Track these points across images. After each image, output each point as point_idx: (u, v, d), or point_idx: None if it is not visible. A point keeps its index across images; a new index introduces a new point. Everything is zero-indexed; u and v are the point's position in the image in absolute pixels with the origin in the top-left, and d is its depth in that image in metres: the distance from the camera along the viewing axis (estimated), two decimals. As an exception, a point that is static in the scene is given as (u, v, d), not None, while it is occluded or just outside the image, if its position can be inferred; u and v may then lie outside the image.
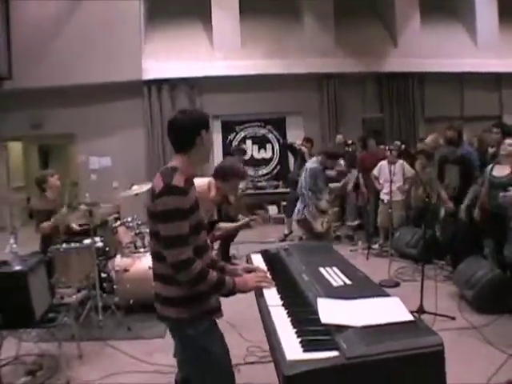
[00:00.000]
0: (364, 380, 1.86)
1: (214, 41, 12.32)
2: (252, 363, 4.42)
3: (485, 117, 11.98)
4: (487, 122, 8.24)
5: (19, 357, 4.61)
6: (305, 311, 2.34)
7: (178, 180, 2.47)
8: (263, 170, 13.10)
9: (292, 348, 1.98)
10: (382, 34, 13.23)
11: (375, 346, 1.87)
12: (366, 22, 13.12)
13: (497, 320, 5.12)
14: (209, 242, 2.90)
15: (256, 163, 13.08)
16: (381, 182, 8.47)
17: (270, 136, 13.07)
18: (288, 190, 10.81)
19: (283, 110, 12.76)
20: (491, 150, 6.88)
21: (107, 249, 6.17)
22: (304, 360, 1.87)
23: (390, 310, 2.21)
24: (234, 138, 12.93)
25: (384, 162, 8.38)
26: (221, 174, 4.02)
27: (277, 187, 12.76)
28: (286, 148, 12.13)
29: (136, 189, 6.27)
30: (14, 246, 4.33)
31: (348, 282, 2.65)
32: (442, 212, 7.23)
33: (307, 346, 1.97)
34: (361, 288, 2.55)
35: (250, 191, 12.44)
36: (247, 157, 12.73)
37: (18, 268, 4.13)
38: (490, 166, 5.82)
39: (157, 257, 2.60)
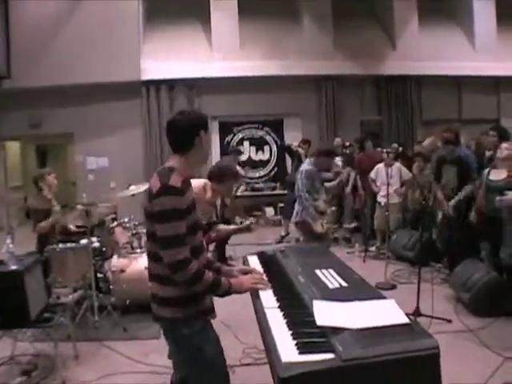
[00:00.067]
0: (359, 382, 1.86)
1: (212, 42, 12.32)
2: (248, 365, 4.41)
3: (483, 120, 11.97)
4: (485, 125, 8.25)
5: (14, 357, 4.59)
6: (301, 313, 2.34)
7: (175, 180, 2.47)
8: (260, 172, 13.10)
9: (287, 350, 1.97)
10: (380, 37, 13.25)
11: (371, 348, 1.87)
12: (364, 25, 13.14)
13: (493, 323, 5.13)
14: (204, 243, 2.90)
15: (253, 165, 13.07)
16: (378, 184, 8.49)
17: (268, 138, 13.08)
18: (285, 191, 10.82)
19: (281, 111, 12.76)
20: (488, 153, 6.89)
21: (104, 249, 6.16)
22: (299, 362, 1.87)
23: (385, 312, 2.21)
24: (232, 139, 12.94)
25: (381, 165, 8.39)
26: (216, 176, 4.02)
27: (274, 189, 12.76)
28: (284, 150, 12.14)
29: (133, 189, 6.26)
30: (11, 245, 4.32)
31: (344, 284, 2.65)
32: (439, 215, 7.24)
33: (303, 348, 1.97)
34: (357, 290, 2.54)
35: (247, 193, 12.47)
36: (244, 158, 12.74)
37: (14, 268, 4.13)
38: (486, 170, 5.83)
39: (153, 257, 2.60)
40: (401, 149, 8.53)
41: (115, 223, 6.65)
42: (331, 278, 2.74)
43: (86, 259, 5.40)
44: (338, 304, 2.32)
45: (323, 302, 2.37)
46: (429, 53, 12.56)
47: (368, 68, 12.68)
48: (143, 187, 5.98)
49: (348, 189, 9.53)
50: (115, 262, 6.03)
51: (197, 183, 3.61)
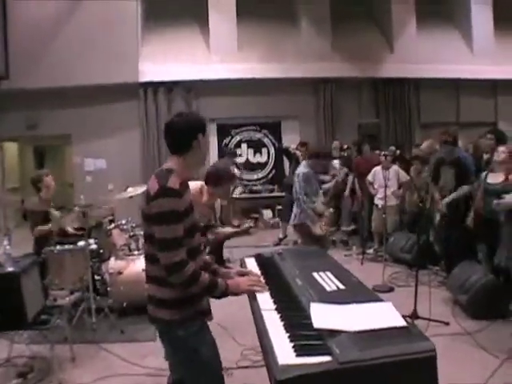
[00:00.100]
0: (356, 385, 1.86)
1: (210, 44, 12.32)
2: (245, 367, 4.41)
3: (480, 123, 12.00)
4: (483, 128, 8.26)
5: (10, 359, 4.58)
6: (298, 316, 2.34)
7: (174, 182, 2.47)
8: (258, 174, 13.08)
9: (284, 352, 1.97)
10: (378, 40, 13.27)
11: (368, 351, 1.87)
12: (362, 28, 13.16)
13: (490, 325, 5.13)
14: (202, 245, 2.89)
15: (251, 167, 13.06)
16: (375, 187, 8.50)
17: (266, 140, 13.07)
18: (283, 194, 10.82)
19: (279, 114, 12.76)
20: (486, 156, 6.91)
21: (101, 251, 6.16)
22: (296, 365, 1.87)
23: (382, 315, 2.21)
24: (230, 141, 12.93)
25: (378, 168, 8.41)
26: (212, 180, 4.02)
27: (272, 191, 12.76)
28: (282, 152, 12.13)
29: (131, 191, 6.26)
30: (8, 247, 4.32)
31: (341, 286, 2.65)
32: (437, 217, 7.25)
33: (300, 351, 1.96)
34: (354, 293, 2.54)
35: (245, 195, 12.47)
36: (242, 160, 12.74)
37: (10, 269, 4.13)
38: (484, 173, 5.85)
39: (151, 259, 2.60)
40: (398, 151, 8.54)
41: (113, 225, 6.65)
42: (328, 281, 2.74)
43: (84, 261, 5.40)
44: (336, 306, 2.32)
45: (320, 304, 2.37)
46: (427, 56, 12.58)
47: (366, 71, 12.69)
48: (141, 189, 5.98)
49: (346, 191, 9.55)
50: (112, 263, 6.02)
51: (194, 186, 3.60)
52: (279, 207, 11.67)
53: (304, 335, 2.10)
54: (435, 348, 1.92)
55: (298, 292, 2.65)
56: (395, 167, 8.43)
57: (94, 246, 5.90)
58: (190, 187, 2.73)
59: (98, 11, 11.29)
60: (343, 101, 12.92)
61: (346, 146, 10.09)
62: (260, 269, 3.21)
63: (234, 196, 11.44)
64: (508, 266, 4.77)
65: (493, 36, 13.20)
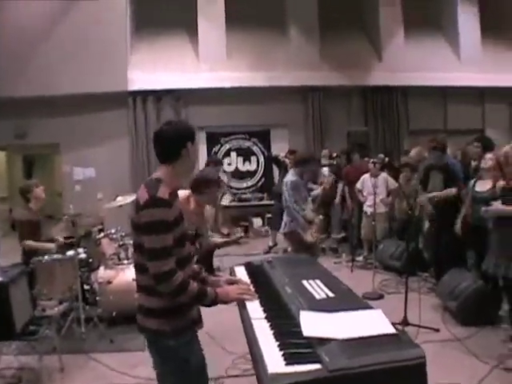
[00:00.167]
0: (346, 393, 1.86)
1: (199, 52, 12.34)
2: (236, 376, 4.40)
3: (468, 130, 12.07)
4: (471, 135, 8.31)
5: (-2, 370, 4.55)
6: (287, 324, 2.34)
7: (163, 192, 2.47)
8: (248, 183, 13.09)
9: (274, 361, 1.97)
10: (366, 48, 13.36)
11: (357, 358, 1.87)
12: (350, 36, 13.25)
13: (479, 332, 5.16)
14: (192, 254, 2.89)
15: (241, 175, 13.07)
16: (364, 194, 8.53)
17: (255, 148, 13.08)
18: (272, 202, 10.83)
19: (268, 122, 12.79)
20: (474, 163, 6.96)
21: (90, 260, 6.13)
22: (286, 373, 1.86)
23: (372, 322, 2.22)
24: (219, 149, 12.93)
25: (367, 175, 8.45)
26: (196, 187, 4.02)
27: (261, 199, 12.75)
28: (271, 160, 12.16)
29: (120, 200, 6.24)
30: (-4, 257, 4.29)
31: (331, 294, 2.65)
32: (426, 224, 7.29)
33: (289, 359, 1.96)
34: (344, 301, 2.55)
35: (234, 203, 12.46)
36: (232, 169, 12.75)
37: (-1, 279, 4.09)
38: (472, 181, 5.88)
39: (140, 268, 2.59)
40: (387, 159, 8.58)
41: (102, 234, 6.62)
42: (318, 289, 2.74)
43: (73, 271, 5.37)
44: (325, 314, 2.32)
45: (310, 312, 2.37)
46: (415, 64, 12.67)
47: (354, 79, 12.75)
48: (130, 198, 5.96)
49: (337, 199, 9.56)
50: (102, 273, 5.99)
51: (181, 194, 3.60)
52: (269, 215, 11.66)
53: (294, 343, 2.10)
54: (425, 355, 1.93)
55: (288, 300, 2.65)
56: (384, 175, 8.46)
57: (83, 256, 5.86)
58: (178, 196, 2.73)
59: (87, 19, 11.28)
60: (332, 109, 12.97)
61: (335, 154, 10.12)
62: (250, 277, 3.21)
63: (224, 204, 11.43)
64: (496, 272, 4.79)
65: (480, 44, 13.32)
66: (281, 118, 12.68)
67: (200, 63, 12.30)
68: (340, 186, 9.51)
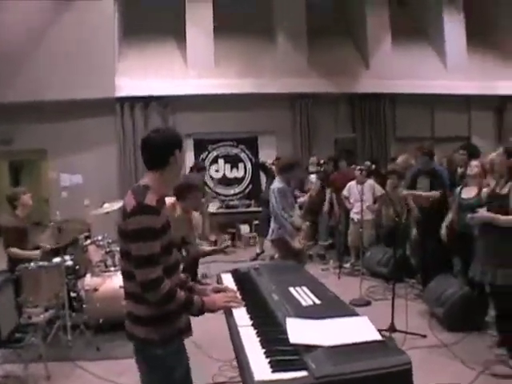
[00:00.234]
0: (332, 399, 1.86)
1: (187, 59, 12.34)
2: (222, 383, 4.39)
3: (455, 138, 12.17)
4: (457, 142, 8.39)
5: (-17, 379, 4.51)
6: (274, 331, 2.34)
7: (151, 199, 2.46)
8: (235, 189, 13.07)
9: (261, 368, 1.97)
10: (354, 56, 13.43)
11: (343, 365, 1.87)
12: (338, 43, 13.31)
13: (466, 337, 5.19)
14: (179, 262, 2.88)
15: (228, 182, 13.06)
16: (351, 201, 8.56)
17: (243, 155, 13.08)
18: (260, 209, 10.83)
19: (256, 129, 12.79)
20: (460, 171, 7.02)
21: (77, 267, 6.10)
22: (272, 380, 1.87)
23: (358, 329, 2.22)
24: (207, 156, 12.92)
25: (353, 182, 8.49)
26: (179, 194, 4.02)
27: (249, 206, 12.72)
28: (258, 167, 12.17)
29: (107, 207, 6.22)
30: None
31: (317, 301, 2.65)
32: (413, 231, 7.33)
33: (276, 367, 1.96)
34: (330, 307, 2.55)
35: (221, 210, 12.46)
36: (219, 175, 12.74)
37: (-17, 287, 4.06)
38: (458, 189, 5.93)
39: (127, 276, 2.57)
40: (374, 166, 8.63)
41: (89, 241, 6.59)
42: (305, 296, 2.75)
43: (59, 278, 5.33)
44: (312, 321, 2.32)
45: (296, 319, 2.37)
46: (402, 71, 12.76)
47: (342, 86, 12.81)
48: (117, 205, 5.94)
49: (325, 206, 9.57)
50: (88, 280, 5.97)
51: (167, 201, 3.61)
52: (256, 222, 11.66)
53: (280, 350, 2.10)
54: (411, 361, 1.93)
55: (275, 307, 2.65)
56: (370, 181, 8.50)
57: (69, 263, 5.83)
58: None
59: (75, 26, 11.24)
60: (320, 116, 13.00)
61: (322, 161, 10.14)
62: (236, 284, 3.21)
63: (211, 211, 11.41)
64: (482, 279, 4.82)
65: (466, 52, 13.45)
66: (268, 124, 12.69)
67: (188, 70, 12.30)
68: (328, 192, 9.53)
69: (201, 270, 7.85)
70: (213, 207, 12.00)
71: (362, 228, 7.78)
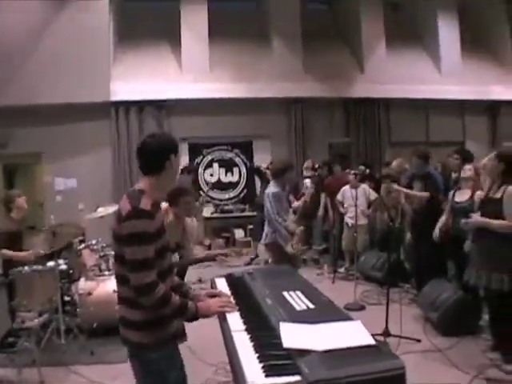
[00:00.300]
0: (326, 404, 1.86)
1: (182, 63, 12.34)
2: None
3: (449, 142, 12.19)
4: (452, 147, 8.40)
5: (-24, 384, 4.49)
6: (268, 336, 2.34)
7: (145, 203, 2.47)
8: (230, 194, 13.05)
9: (254, 373, 1.97)
10: (349, 60, 13.46)
11: (337, 370, 1.87)
12: (333, 48, 13.34)
13: (460, 342, 5.20)
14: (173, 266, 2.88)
15: (223, 187, 13.03)
16: (345, 206, 8.58)
17: (237, 160, 13.08)
18: (255, 213, 10.83)
19: (251, 133, 12.78)
20: (454, 175, 7.04)
21: (71, 271, 6.09)
22: (265, 385, 1.86)
23: (352, 334, 2.22)
24: (201, 161, 12.90)
25: (347, 187, 8.51)
26: (172, 200, 4.02)
27: (243, 211, 12.71)
28: (253, 172, 12.18)
29: (101, 211, 6.22)
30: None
31: (311, 306, 2.66)
32: (407, 236, 7.34)
33: (269, 371, 1.96)
34: (324, 312, 2.55)
35: (216, 215, 12.45)
36: (214, 180, 12.72)
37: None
38: (452, 192, 5.96)
39: (121, 280, 2.58)
40: (368, 170, 8.64)
41: (83, 245, 6.58)
42: (298, 300, 2.75)
43: (53, 282, 5.32)
44: (305, 326, 2.32)
45: (290, 324, 2.37)
46: (396, 76, 12.80)
47: (337, 91, 12.82)
48: (111, 209, 5.95)
49: (320, 211, 9.58)
50: (82, 284, 5.96)
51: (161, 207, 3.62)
52: (251, 226, 11.65)
53: (273, 355, 2.10)
54: (404, 366, 1.93)
55: (268, 312, 2.65)
56: (364, 186, 8.52)
57: (63, 267, 5.83)
58: None
59: (70, 30, 11.22)
60: (314, 120, 13.00)
61: (317, 165, 10.14)
62: (230, 289, 3.21)
63: (205, 215, 11.41)
64: (477, 284, 4.83)
65: (460, 57, 13.49)
66: (263, 129, 12.69)
67: (183, 74, 12.30)
68: (323, 197, 9.54)
69: (195, 274, 7.85)
70: (207, 211, 12.00)
71: (356, 232, 7.79)
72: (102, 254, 6.38)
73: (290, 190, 7.45)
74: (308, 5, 13.19)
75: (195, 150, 12.83)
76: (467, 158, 6.66)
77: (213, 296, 2.92)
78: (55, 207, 11.19)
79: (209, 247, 11.83)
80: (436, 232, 6.03)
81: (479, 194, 5.25)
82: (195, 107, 12.11)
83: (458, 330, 5.40)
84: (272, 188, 6.00)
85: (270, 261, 7.07)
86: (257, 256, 9.93)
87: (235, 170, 13.10)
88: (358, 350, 2.04)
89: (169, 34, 12.49)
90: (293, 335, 2.22)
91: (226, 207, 12.78)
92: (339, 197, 8.68)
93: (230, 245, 12.00)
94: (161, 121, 12.28)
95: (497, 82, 13.46)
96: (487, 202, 4.79)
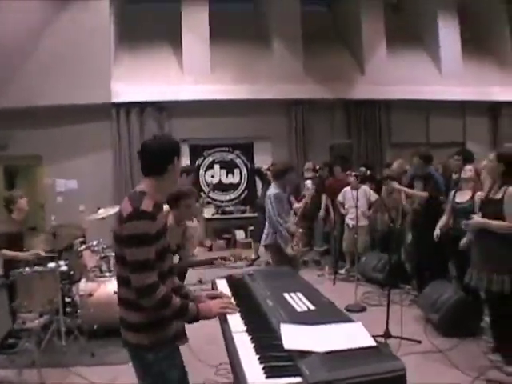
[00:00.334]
0: (326, 405, 1.86)
1: (183, 65, 12.34)
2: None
3: (450, 143, 12.18)
4: (453, 148, 8.39)
5: (-24, 385, 4.49)
6: (268, 337, 2.34)
7: (147, 205, 2.47)
8: (231, 195, 13.06)
9: (254, 374, 1.97)
10: (349, 62, 13.45)
11: (337, 371, 1.87)
12: (333, 50, 13.34)
13: (461, 343, 5.19)
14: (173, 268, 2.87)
15: (224, 188, 13.04)
16: (346, 207, 8.57)
17: (238, 161, 13.08)
18: (255, 214, 10.83)
19: (251, 135, 12.78)
20: (455, 176, 7.04)
21: (72, 273, 6.07)
22: (266, 386, 1.86)
23: (352, 335, 2.22)
24: (202, 162, 12.91)
25: (347, 188, 8.51)
26: (173, 204, 4.02)
27: (244, 212, 12.73)
28: (254, 173, 12.18)
29: (102, 212, 6.22)
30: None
31: (312, 307, 2.66)
32: (408, 237, 7.34)
33: (270, 372, 1.96)
34: (324, 313, 2.55)
35: (217, 216, 12.46)
36: (215, 181, 12.71)
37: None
38: (452, 192, 5.95)
39: (122, 281, 2.58)
40: (369, 172, 8.64)
41: (84, 246, 6.57)
42: (299, 302, 2.75)
43: (54, 283, 5.31)
44: (306, 327, 2.32)
45: (291, 325, 2.37)
46: (397, 77, 12.78)
47: (337, 92, 12.81)
48: (112, 210, 5.94)
49: (321, 212, 9.57)
50: (83, 285, 5.95)
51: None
52: (251, 228, 11.65)
53: (274, 356, 2.10)
54: (405, 367, 1.93)
55: (269, 313, 2.65)
56: (364, 187, 8.51)
57: (64, 268, 5.80)
58: None
59: (71, 30, 11.22)
60: (315, 122, 12.99)
61: (318, 167, 10.13)
62: (231, 290, 3.21)
63: (206, 217, 11.41)
64: (478, 285, 4.82)
65: (460, 58, 13.47)
66: (264, 130, 12.69)
67: (184, 75, 12.30)
68: (324, 198, 9.53)
69: (196, 275, 7.85)
70: (208, 213, 12.00)
71: (357, 234, 7.79)
72: (102, 255, 6.38)
73: (291, 191, 7.45)
74: (308, 6, 13.15)
75: (196, 152, 12.84)
76: (468, 158, 6.66)
77: (214, 297, 2.92)
78: (56, 208, 11.21)
79: (210, 248, 11.85)
80: (437, 231, 6.02)
81: (479, 194, 5.26)
82: (196, 109, 12.12)
83: (459, 331, 5.40)
84: (273, 189, 6.00)
85: (271, 262, 7.07)
86: (258, 257, 9.93)
87: (236, 171, 13.11)
88: (358, 352, 2.05)
89: (170, 36, 12.50)
90: (293, 336, 2.22)
91: (227, 208, 12.80)
92: (340, 198, 8.68)
93: (230, 246, 12.00)
94: (162, 122, 12.29)
95: (498, 82, 13.45)
96: (487, 202, 4.78)
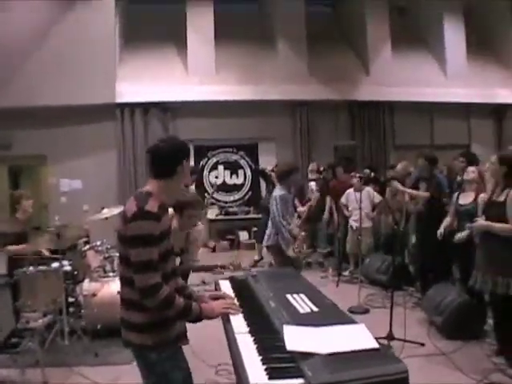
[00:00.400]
0: (328, 407, 1.85)
1: (188, 66, 12.36)
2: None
3: (454, 145, 12.16)
4: (457, 150, 8.38)
5: (-21, 384, 4.49)
6: (271, 338, 2.34)
7: (152, 205, 2.47)
8: (235, 196, 13.07)
9: (257, 375, 1.97)
10: (354, 63, 13.45)
11: (340, 373, 1.87)
12: (338, 51, 13.35)
13: (464, 346, 5.17)
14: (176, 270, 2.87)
15: (228, 189, 13.05)
16: (349, 209, 8.56)
17: (242, 162, 13.09)
18: (259, 215, 10.82)
19: (256, 136, 12.79)
20: (459, 178, 7.02)
21: (75, 273, 6.07)
22: (269, 387, 1.86)
23: (355, 337, 2.22)
24: (206, 163, 12.92)
25: (351, 190, 8.49)
26: (177, 210, 4.03)
27: (248, 213, 12.73)
28: (258, 174, 12.17)
29: (106, 212, 6.22)
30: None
31: (315, 309, 2.66)
32: (412, 239, 7.33)
33: (272, 374, 1.97)
34: (327, 315, 2.55)
35: (221, 217, 12.47)
36: (219, 182, 12.71)
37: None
38: (456, 194, 5.93)
39: (126, 281, 2.58)
40: (373, 174, 8.64)
41: (87, 246, 6.57)
42: (302, 303, 2.75)
43: (57, 283, 5.31)
44: (309, 329, 2.32)
45: (294, 326, 2.37)
46: (401, 79, 12.77)
47: (342, 93, 12.81)
48: (116, 210, 5.95)
49: (326, 214, 9.55)
50: (87, 285, 5.95)
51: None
52: (255, 229, 11.64)
53: (277, 358, 2.10)
54: (407, 369, 1.93)
55: (272, 314, 2.65)
56: (368, 189, 8.49)
57: (68, 268, 5.82)
58: None
59: (76, 31, 11.23)
60: (319, 123, 12.99)
61: (322, 168, 10.11)
62: (234, 291, 3.22)
63: (210, 217, 11.41)
64: (482, 288, 4.81)
65: (465, 60, 13.47)
66: (268, 131, 12.69)
67: (189, 76, 12.31)
68: (328, 200, 9.52)
69: (199, 276, 7.84)
70: (212, 214, 12.00)
71: (361, 236, 7.78)
72: (106, 255, 6.38)
73: (296, 192, 7.45)
74: (312, 7, 13.17)
75: (200, 152, 12.84)
76: (473, 161, 6.64)
77: (216, 298, 2.93)
78: (60, 208, 11.24)
79: (213, 249, 11.84)
80: (441, 231, 6.00)
81: (483, 196, 5.24)
82: (201, 109, 12.13)
83: (463, 333, 5.37)
84: (279, 191, 6.00)
85: (273, 263, 7.06)
86: (261, 258, 9.92)
87: (240, 172, 13.12)
88: (361, 354, 2.05)
89: (175, 36, 12.51)
90: (296, 338, 2.22)
91: (231, 209, 12.81)
92: (343, 200, 8.67)
93: (234, 247, 11.99)
94: (166, 123, 12.31)
95: (503, 84, 13.45)
96: (491, 205, 4.77)
